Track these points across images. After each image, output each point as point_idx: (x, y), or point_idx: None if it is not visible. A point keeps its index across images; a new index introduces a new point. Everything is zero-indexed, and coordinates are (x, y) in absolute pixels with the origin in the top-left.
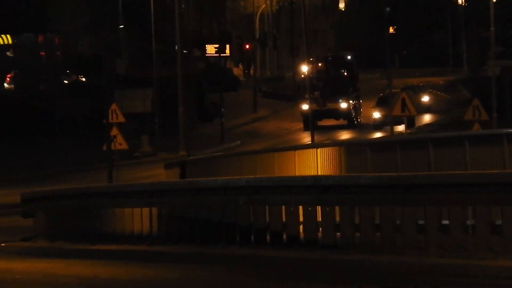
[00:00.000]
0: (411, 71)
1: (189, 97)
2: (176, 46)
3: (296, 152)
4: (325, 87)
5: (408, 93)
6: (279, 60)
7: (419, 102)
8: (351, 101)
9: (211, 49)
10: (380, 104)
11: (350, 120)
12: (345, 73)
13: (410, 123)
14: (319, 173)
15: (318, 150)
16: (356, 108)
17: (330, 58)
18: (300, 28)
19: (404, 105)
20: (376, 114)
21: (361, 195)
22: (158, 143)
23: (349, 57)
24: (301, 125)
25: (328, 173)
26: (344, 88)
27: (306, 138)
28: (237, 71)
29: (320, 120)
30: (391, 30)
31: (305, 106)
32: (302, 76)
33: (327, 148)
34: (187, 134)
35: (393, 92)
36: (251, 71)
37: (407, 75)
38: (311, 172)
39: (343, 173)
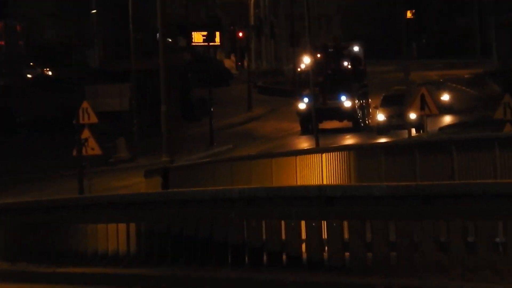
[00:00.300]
0: (431, 62)
1: (173, 93)
2: (157, 34)
3: (298, 157)
4: (325, 83)
5: (428, 88)
6: (277, 51)
7: (439, 101)
8: (356, 99)
9: (198, 37)
10: (386, 104)
11: (355, 122)
12: (349, 66)
13: (420, 127)
14: (325, 182)
15: (324, 155)
16: (363, 107)
17: (330, 49)
18: (301, 13)
19: (423, 103)
20: (381, 117)
21: (373, 207)
22: (137, 147)
23: (355, 47)
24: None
25: (334, 182)
26: (348, 83)
27: (306, 143)
28: (229, 63)
29: (321, 121)
30: (408, 14)
31: (302, 105)
32: (299, 69)
33: (333, 153)
34: (170, 136)
35: (403, 90)
36: (245, 63)
37: (427, 67)
38: (315, 181)
39: (352, 182)
